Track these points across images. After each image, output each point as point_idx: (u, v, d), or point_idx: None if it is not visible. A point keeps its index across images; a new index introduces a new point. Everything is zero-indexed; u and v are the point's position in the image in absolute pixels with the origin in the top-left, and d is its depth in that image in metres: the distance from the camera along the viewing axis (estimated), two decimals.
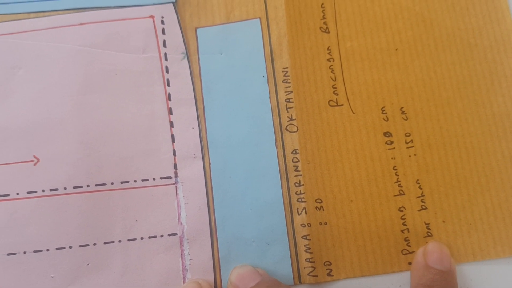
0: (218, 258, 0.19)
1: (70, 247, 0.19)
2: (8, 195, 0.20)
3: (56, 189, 0.20)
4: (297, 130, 0.20)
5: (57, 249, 0.19)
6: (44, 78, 0.21)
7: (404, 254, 0.20)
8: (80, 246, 0.19)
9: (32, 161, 0.20)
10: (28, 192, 0.20)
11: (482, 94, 0.21)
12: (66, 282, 0.19)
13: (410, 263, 0.19)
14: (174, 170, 0.20)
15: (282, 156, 0.20)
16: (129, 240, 0.19)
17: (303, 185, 0.20)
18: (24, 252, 0.19)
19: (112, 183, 0.20)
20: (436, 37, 0.22)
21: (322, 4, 0.22)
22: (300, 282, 0.19)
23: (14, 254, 0.19)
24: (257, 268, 0.19)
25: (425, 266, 0.18)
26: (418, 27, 0.22)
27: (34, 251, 0.19)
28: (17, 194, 0.20)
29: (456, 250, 0.19)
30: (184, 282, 0.19)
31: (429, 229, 0.20)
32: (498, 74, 0.21)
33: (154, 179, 0.20)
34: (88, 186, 0.20)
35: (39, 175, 0.20)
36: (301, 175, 0.20)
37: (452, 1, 0.22)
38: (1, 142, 0.20)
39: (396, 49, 0.21)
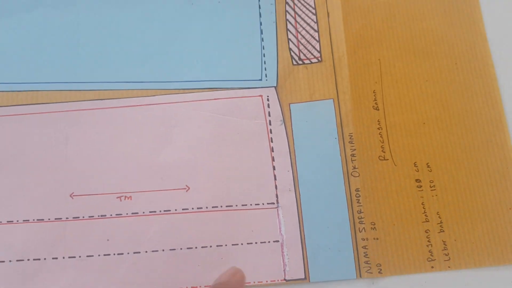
0: (307, 258, 0.29)
1: (210, 246, 0.29)
2: (169, 210, 0.30)
3: (201, 208, 0.30)
4: (358, 175, 0.30)
5: (202, 247, 0.29)
6: (191, 133, 0.31)
7: (428, 261, 0.29)
8: (217, 246, 0.29)
9: (184, 188, 0.30)
10: (183, 209, 0.30)
11: (481, 156, 0.31)
12: (209, 270, 0.29)
13: (432, 267, 0.29)
14: (276, 198, 0.30)
15: (349, 192, 0.30)
16: (248, 243, 0.29)
17: (362, 212, 0.30)
18: (181, 248, 0.29)
19: (236, 205, 0.30)
20: (451, 116, 0.32)
21: (374, 91, 0.32)
22: (360, 276, 0.29)
23: (175, 249, 0.29)
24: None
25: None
26: (439, 108, 0.32)
27: (187, 248, 0.29)
28: (175, 210, 0.30)
29: (463, 259, 0.29)
30: (284, 275, 0.29)
31: (445, 245, 0.29)
32: (492, 143, 0.31)
33: (263, 204, 0.30)
34: (221, 206, 0.30)
35: (190, 198, 0.30)
36: (361, 205, 0.30)
37: (462, 91, 0.32)
38: (166, 174, 0.30)
39: (424, 123, 0.32)
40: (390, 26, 0.34)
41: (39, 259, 0.29)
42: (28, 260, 0.29)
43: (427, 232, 0.30)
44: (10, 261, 0.29)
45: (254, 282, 0.29)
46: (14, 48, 0.32)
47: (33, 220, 0.29)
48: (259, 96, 0.32)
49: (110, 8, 0.34)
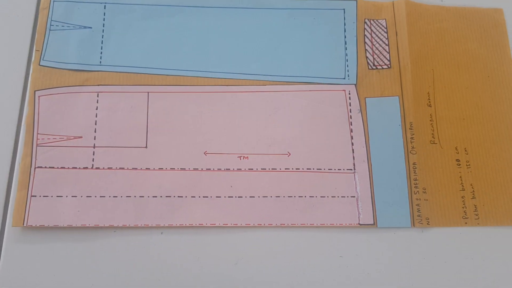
0: (375, 210, 0.40)
1: (305, 196, 0.40)
2: (275, 168, 0.40)
3: (299, 169, 0.40)
4: (415, 153, 0.41)
5: (299, 196, 0.40)
6: (291, 114, 0.42)
7: (463, 219, 0.40)
8: (310, 196, 0.40)
9: (286, 154, 0.41)
10: (285, 168, 0.40)
11: (505, 145, 0.41)
12: (304, 213, 0.39)
13: (466, 223, 0.40)
14: (353, 166, 0.41)
15: (407, 165, 0.41)
16: (332, 197, 0.40)
17: (417, 180, 0.40)
18: (284, 196, 0.40)
19: (324, 169, 0.41)
20: (483, 115, 0.43)
21: (428, 92, 0.43)
22: (414, 226, 0.40)
23: (279, 197, 0.40)
24: None
25: None
26: (475, 108, 0.43)
27: (288, 196, 0.40)
28: (280, 168, 0.40)
29: (489, 219, 0.40)
30: (359, 220, 0.39)
31: (476, 208, 0.40)
32: None
33: (344, 169, 0.41)
34: (313, 169, 0.40)
35: (290, 161, 0.41)
36: (416, 175, 0.41)
37: (492, 97, 0.43)
38: (273, 143, 0.41)
39: (464, 119, 0.43)
40: (441, 46, 0.45)
41: (182, 196, 0.39)
42: (174, 196, 0.39)
43: (462, 198, 0.40)
44: (161, 196, 0.39)
45: (336, 224, 0.39)
46: (163, 42, 0.43)
47: (178, 168, 0.40)
48: (343, 90, 0.43)
49: (233, 18, 0.44)
